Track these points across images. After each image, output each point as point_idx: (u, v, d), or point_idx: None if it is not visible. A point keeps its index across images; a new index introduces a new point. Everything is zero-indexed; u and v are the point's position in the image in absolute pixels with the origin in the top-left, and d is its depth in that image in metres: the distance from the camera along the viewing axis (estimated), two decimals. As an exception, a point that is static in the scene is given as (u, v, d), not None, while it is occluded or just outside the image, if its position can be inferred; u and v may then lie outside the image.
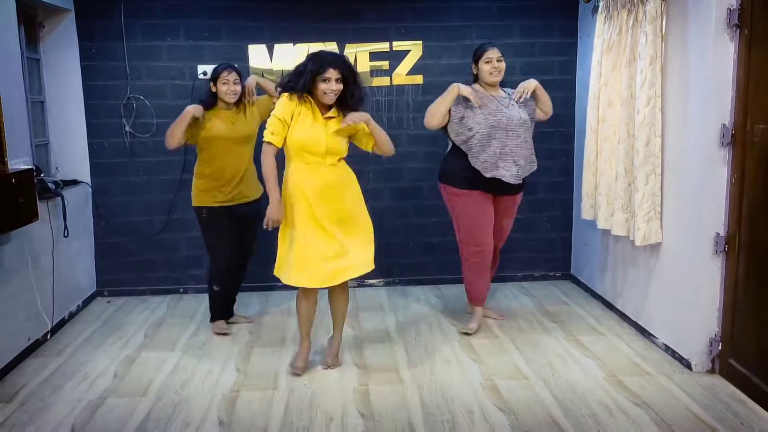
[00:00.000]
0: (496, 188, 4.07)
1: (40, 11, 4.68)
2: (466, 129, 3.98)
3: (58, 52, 4.81)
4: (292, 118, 3.40)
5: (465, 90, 3.95)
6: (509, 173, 3.99)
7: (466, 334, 4.21)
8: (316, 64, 3.36)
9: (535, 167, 4.14)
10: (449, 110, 4.00)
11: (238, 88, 4.04)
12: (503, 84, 4.18)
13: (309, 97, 3.42)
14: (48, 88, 4.81)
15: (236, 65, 4.13)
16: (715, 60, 3.38)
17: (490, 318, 4.44)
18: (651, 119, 3.77)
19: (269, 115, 3.47)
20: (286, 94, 3.43)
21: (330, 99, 3.40)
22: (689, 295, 3.64)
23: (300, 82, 3.37)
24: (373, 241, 3.61)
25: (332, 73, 3.35)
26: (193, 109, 3.91)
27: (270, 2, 4.91)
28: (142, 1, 4.83)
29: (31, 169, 3.83)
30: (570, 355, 3.89)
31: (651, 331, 4.04)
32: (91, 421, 3.19)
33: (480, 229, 4.14)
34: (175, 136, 3.91)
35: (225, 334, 4.30)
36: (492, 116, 3.96)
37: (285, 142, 3.44)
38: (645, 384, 3.48)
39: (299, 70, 3.40)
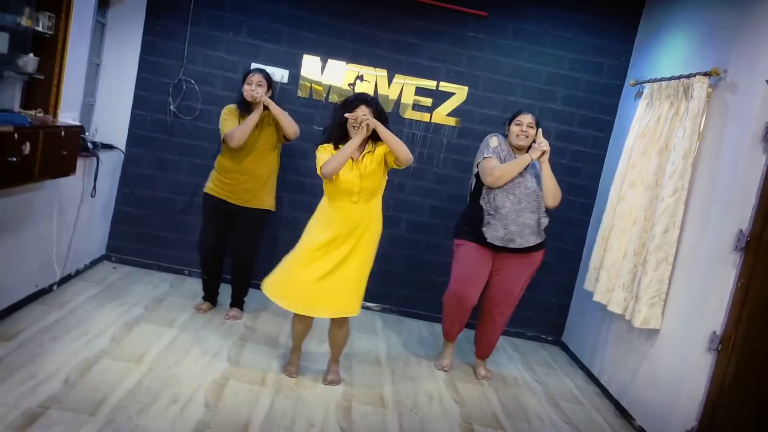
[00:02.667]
0: (494, 245, 4.16)
1: (115, -21, 4.88)
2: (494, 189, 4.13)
3: (124, 21, 4.99)
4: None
5: (535, 154, 4.10)
6: (494, 234, 4.11)
7: (443, 370, 4.35)
8: (347, 105, 3.58)
9: (537, 240, 4.16)
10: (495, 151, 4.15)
11: (260, 90, 4.17)
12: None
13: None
14: (106, 53, 4.98)
15: (267, 71, 4.29)
16: (745, 167, 3.53)
17: (477, 372, 4.45)
18: (674, 209, 3.91)
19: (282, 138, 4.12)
20: (323, 146, 3.61)
21: (363, 132, 3.53)
22: (675, 386, 3.74)
23: (335, 128, 3.59)
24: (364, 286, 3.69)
25: (363, 110, 3.54)
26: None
27: (333, 20, 5.10)
28: (214, -9, 5.03)
29: (80, 126, 3.97)
30: (548, 416, 3.98)
31: (630, 412, 4.13)
32: (85, 375, 3.29)
33: (467, 280, 4.21)
34: (244, 133, 4.13)
35: (200, 312, 4.55)
36: (516, 181, 4.11)
37: (324, 182, 3.60)
38: (615, 460, 3.57)
39: (332, 122, 3.62)
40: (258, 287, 5.06)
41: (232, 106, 4.32)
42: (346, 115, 3.54)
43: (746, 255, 3.51)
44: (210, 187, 4.41)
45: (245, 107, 4.25)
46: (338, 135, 3.60)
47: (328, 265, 3.54)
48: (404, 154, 3.50)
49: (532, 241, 4.15)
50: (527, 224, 4.12)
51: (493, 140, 4.20)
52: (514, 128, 4.17)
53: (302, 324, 3.74)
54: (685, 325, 3.76)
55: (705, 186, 3.83)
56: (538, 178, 4.17)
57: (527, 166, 4.11)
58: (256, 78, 4.19)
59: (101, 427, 2.88)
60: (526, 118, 4.15)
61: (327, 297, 3.56)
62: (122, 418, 2.99)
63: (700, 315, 3.64)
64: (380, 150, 3.58)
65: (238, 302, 4.66)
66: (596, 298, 4.47)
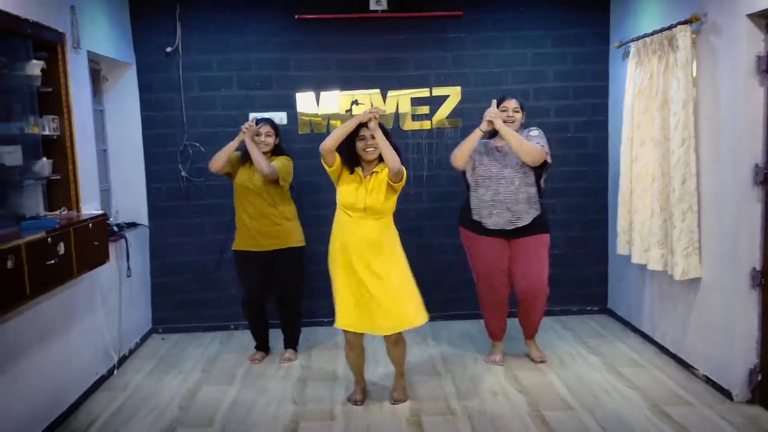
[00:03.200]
0: (505, 233, 4.27)
1: (104, 65, 5.03)
2: (475, 175, 4.29)
3: (120, 102, 5.15)
4: (341, 173, 3.74)
5: (483, 126, 4.13)
6: (503, 220, 4.22)
7: (500, 365, 4.45)
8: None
9: (537, 212, 4.25)
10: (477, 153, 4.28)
11: (270, 140, 4.46)
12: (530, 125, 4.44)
13: (359, 168, 3.72)
14: (110, 137, 5.14)
15: (272, 120, 4.54)
16: (746, 103, 3.58)
17: (532, 356, 4.53)
18: (686, 159, 3.97)
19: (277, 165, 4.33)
20: None
21: (370, 154, 3.68)
22: (728, 328, 3.78)
23: (345, 152, 3.69)
24: (413, 296, 3.74)
25: (365, 132, 3.65)
26: (243, 136, 4.37)
27: (317, 54, 5.23)
28: (198, 56, 5.18)
29: (104, 214, 4.12)
30: (612, 386, 4.03)
31: (691, 363, 4.18)
32: (165, 449, 3.41)
33: (490, 275, 4.35)
34: (222, 159, 4.41)
35: (255, 361, 4.67)
36: (490, 165, 4.24)
37: (336, 193, 3.75)
38: (687, 414, 3.62)
39: (341, 146, 3.68)
40: (306, 324, 5.21)
41: (235, 155, 4.52)
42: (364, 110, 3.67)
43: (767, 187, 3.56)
44: (237, 243, 4.60)
45: (249, 156, 4.42)
46: (348, 156, 3.71)
47: (358, 283, 3.65)
48: (393, 161, 3.58)
49: (533, 213, 4.23)
50: (524, 200, 4.21)
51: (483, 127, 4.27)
52: (500, 115, 4.22)
53: (353, 352, 3.84)
54: (724, 267, 3.81)
55: (711, 130, 3.89)
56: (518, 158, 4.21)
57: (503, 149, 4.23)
58: (264, 129, 4.45)
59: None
60: (511, 103, 4.25)
61: (368, 315, 3.67)
62: (210, 481, 3.10)
63: (736, 255, 3.69)
64: (385, 171, 3.68)
65: (291, 343, 4.77)
66: (634, 260, 4.52)
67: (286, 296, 4.65)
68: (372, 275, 3.64)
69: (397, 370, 3.94)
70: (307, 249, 4.73)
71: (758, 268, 3.63)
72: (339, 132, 3.63)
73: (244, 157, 4.47)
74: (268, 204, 4.46)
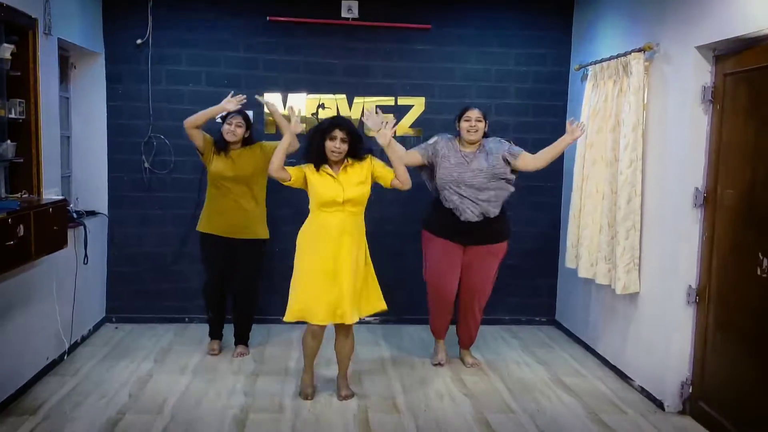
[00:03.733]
0: (465, 239, 4.40)
1: (72, 53, 5.05)
2: (434, 180, 4.43)
3: (87, 91, 5.17)
4: (306, 177, 3.86)
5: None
6: (471, 213, 4.32)
7: (439, 365, 4.61)
8: (323, 125, 3.87)
9: (495, 213, 4.35)
10: (426, 160, 4.42)
11: (239, 131, 4.50)
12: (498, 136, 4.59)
13: (326, 166, 3.84)
14: (75, 124, 5.16)
15: (245, 112, 4.59)
16: (691, 130, 3.79)
17: (465, 361, 4.67)
18: (632, 179, 4.17)
19: (264, 146, 4.46)
20: (307, 165, 3.89)
21: (335, 157, 3.82)
22: (663, 342, 3.98)
23: (315, 153, 3.83)
24: (376, 284, 4.01)
25: (337, 133, 3.79)
26: (227, 105, 4.44)
27: (286, 56, 5.33)
28: (168, 49, 5.23)
29: (65, 199, 4.14)
30: (554, 393, 4.20)
31: (628, 374, 4.37)
32: (113, 434, 3.46)
33: (441, 275, 4.48)
34: (199, 120, 4.44)
35: (213, 353, 4.71)
36: (453, 170, 4.35)
37: (309, 195, 3.88)
38: (621, 422, 3.79)
39: (311, 147, 3.87)
40: (260, 321, 5.26)
41: (209, 139, 4.58)
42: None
43: (706, 210, 3.77)
44: (203, 224, 4.62)
45: (222, 146, 4.52)
46: (317, 159, 3.84)
47: (332, 277, 3.77)
48: (406, 180, 3.88)
49: (496, 211, 4.35)
50: (487, 200, 4.32)
51: (433, 138, 4.49)
52: (463, 124, 4.39)
53: (315, 339, 3.95)
54: (661, 284, 4.01)
55: (657, 153, 4.09)
56: (488, 157, 4.33)
57: (476, 152, 4.35)
58: (236, 120, 4.49)
59: (139, 478, 3.04)
60: (474, 113, 4.38)
61: (341, 304, 3.78)
62: (156, 466, 3.16)
63: (674, 272, 3.89)
64: (367, 167, 3.86)
65: (243, 339, 4.82)
66: (581, 274, 4.71)
67: (245, 287, 4.70)
68: (347, 265, 3.77)
69: (344, 368, 4.05)
70: (269, 247, 4.81)
71: (694, 285, 3.83)
72: (276, 155, 3.80)
73: (219, 146, 4.51)
74: (250, 196, 4.54)
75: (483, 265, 4.47)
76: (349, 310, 3.77)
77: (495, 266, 4.52)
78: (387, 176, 3.90)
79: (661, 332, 4.02)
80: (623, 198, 4.19)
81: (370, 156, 3.94)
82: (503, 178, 4.36)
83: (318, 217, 3.85)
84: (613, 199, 4.40)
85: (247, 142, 4.60)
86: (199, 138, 4.49)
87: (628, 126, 4.17)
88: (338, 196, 3.78)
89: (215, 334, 4.84)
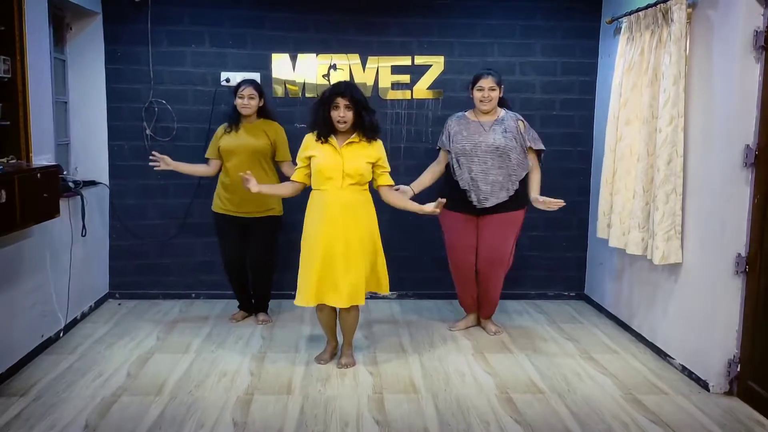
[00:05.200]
0: (478, 210, 4.22)
1: (68, 13, 4.74)
2: (451, 153, 4.26)
3: (84, 54, 4.86)
4: (309, 156, 3.70)
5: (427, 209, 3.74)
6: (474, 199, 4.19)
7: (451, 330, 4.52)
8: (325, 96, 3.67)
9: (506, 196, 4.17)
10: (449, 136, 4.27)
11: (253, 102, 4.30)
12: (518, 105, 4.37)
13: (332, 136, 3.67)
14: (72, 89, 4.86)
15: (255, 81, 4.39)
16: (740, 81, 3.40)
17: (488, 329, 4.49)
18: (673, 138, 3.79)
19: (278, 141, 4.34)
20: (309, 134, 3.75)
21: (342, 127, 3.64)
22: (708, 316, 3.62)
23: (318, 117, 3.66)
24: (384, 268, 3.81)
25: (340, 101, 3.60)
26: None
27: (294, 14, 4.97)
28: (169, 7, 4.89)
29: (56, 165, 3.85)
30: (585, 371, 3.87)
31: (667, 351, 4.02)
32: (106, 417, 3.18)
33: (457, 249, 4.36)
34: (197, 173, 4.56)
35: (232, 320, 4.64)
36: (466, 142, 4.16)
37: (311, 171, 3.71)
38: (662, 403, 3.45)
39: (316, 118, 3.70)
40: (276, 297, 4.97)
41: (221, 127, 4.45)
42: None
43: (757, 169, 3.39)
44: (216, 204, 4.49)
45: (236, 120, 4.37)
46: (325, 130, 3.67)
47: (331, 254, 3.63)
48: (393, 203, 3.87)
49: (503, 197, 4.16)
50: (497, 181, 4.14)
51: (450, 124, 4.30)
52: (476, 94, 4.19)
53: (322, 313, 3.81)
54: (706, 252, 3.64)
55: (701, 108, 3.70)
56: (505, 134, 4.15)
57: (492, 123, 4.17)
58: (247, 91, 4.30)
59: (130, 466, 2.77)
60: (486, 82, 4.14)
61: (333, 287, 3.63)
62: (151, 452, 2.88)
63: (720, 240, 3.52)
64: (373, 153, 3.68)
65: (263, 308, 4.70)
66: (612, 243, 4.35)
67: (260, 264, 4.54)
68: (344, 245, 3.62)
69: (347, 338, 3.91)
70: (284, 220, 4.57)
71: (743, 254, 3.46)
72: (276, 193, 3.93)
73: (232, 121, 4.38)
74: (260, 168, 4.33)
75: (497, 233, 4.25)
76: (344, 294, 3.62)
77: (510, 235, 4.29)
78: (380, 179, 3.78)
79: (705, 305, 3.65)
80: (663, 159, 3.81)
81: (380, 143, 3.75)
82: (515, 158, 4.16)
83: (315, 195, 3.72)
84: (649, 161, 4.02)
85: (262, 112, 4.41)
86: (216, 160, 4.44)
87: (668, 79, 3.77)
88: (338, 168, 3.62)
89: (241, 305, 4.73)
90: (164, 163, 4.29)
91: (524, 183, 4.25)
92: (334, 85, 3.74)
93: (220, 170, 4.44)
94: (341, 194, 3.63)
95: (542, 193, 4.23)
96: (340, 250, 3.61)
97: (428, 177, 4.40)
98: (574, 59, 5.12)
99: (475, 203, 4.18)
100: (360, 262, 3.65)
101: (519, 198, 4.24)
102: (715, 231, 3.56)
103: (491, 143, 4.12)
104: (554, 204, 4.08)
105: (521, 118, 4.26)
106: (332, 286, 3.63)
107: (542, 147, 4.26)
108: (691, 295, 3.79)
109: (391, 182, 3.82)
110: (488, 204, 4.17)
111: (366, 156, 3.67)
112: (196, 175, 4.60)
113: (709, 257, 3.61)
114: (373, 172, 3.73)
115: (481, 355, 4.10)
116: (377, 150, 3.72)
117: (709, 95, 3.63)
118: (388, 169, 3.79)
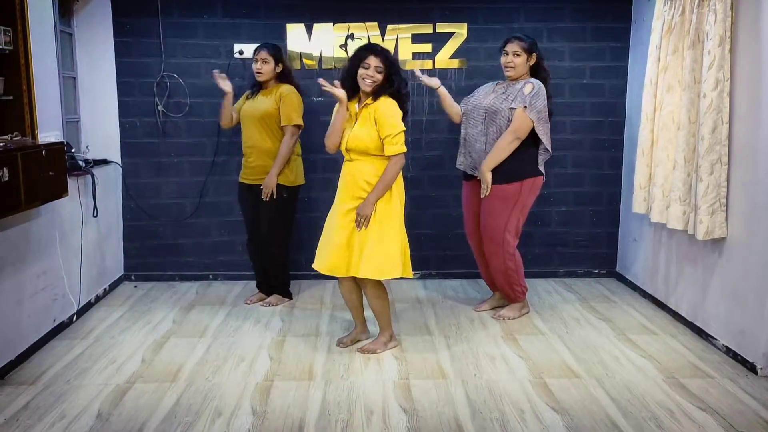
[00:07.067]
0: (471, 176, 4.10)
1: (74, -16, 4.54)
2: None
3: (92, 27, 4.66)
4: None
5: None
6: (464, 162, 4.12)
7: (476, 309, 4.35)
8: (359, 51, 3.44)
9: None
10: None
11: (266, 67, 4.10)
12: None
13: (353, 102, 3.47)
14: (80, 63, 4.67)
15: (272, 44, 4.17)
16: (794, 39, 3.13)
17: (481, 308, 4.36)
18: (718, 104, 3.52)
19: (282, 103, 4.06)
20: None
21: (366, 85, 3.37)
22: (755, 293, 3.38)
23: (347, 79, 3.43)
24: (392, 252, 3.42)
25: (372, 60, 3.36)
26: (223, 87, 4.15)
27: (310, -20, 4.73)
28: (179, -24, 4.67)
29: (62, 142, 3.67)
30: (623, 353, 3.65)
31: (709, 332, 3.79)
32: (119, 405, 3.02)
33: (464, 218, 4.28)
34: (223, 116, 4.24)
35: (248, 302, 4.46)
36: (470, 103, 4.06)
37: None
38: (708, 387, 3.23)
39: (345, 72, 3.47)
40: (296, 278, 4.78)
41: (246, 93, 4.31)
42: None
43: (813, 136, 3.13)
44: (240, 174, 4.36)
45: (256, 87, 4.23)
46: (349, 89, 3.44)
47: (342, 225, 3.45)
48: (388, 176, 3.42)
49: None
50: (483, 150, 3.94)
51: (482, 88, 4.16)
52: (502, 59, 3.98)
53: (343, 288, 3.63)
54: (754, 226, 3.39)
55: (750, 71, 3.42)
56: (503, 95, 3.91)
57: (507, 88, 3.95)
58: (261, 55, 4.10)
59: (144, 459, 2.61)
60: (510, 47, 3.93)
61: (346, 258, 3.45)
62: (166, 444, 2.72)
63: (771, 212, 3.27)
64: (376, 114, 3.35)
65: (274, 288, 4.48)
66: (653, 218, 4.09)
67: (267, 238, 4.30)
68: (341, 217, 3.45)
69: (378, 323, 3.69)
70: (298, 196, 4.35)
71: (796, 227, 3.21)
72: (333, 131, 3.47)
73: (253, 89, 4.24)
74: (267, 135, 4.14)
75: (485, 207, 4.00)
76: (343, 264, 3.46)
77: (502, 211, 3.94)
78: (384, 147, 3.39)
79: (753, 283, 3.40)
80: (707, 127, 3.55)
81: (386, 100, 3.38)
82: (503, 123, 3.89)
83: (343, 163, 3.57)
84: (691, 129, 3.76)
85: (282, 77, 4.17)
86: (235, 119, 4.27)
87: (713, 40, 3.50)
88: (343, 142, 3.46)
89: (258, 285, 4.55)
90: (225, 83, 4.11)
91: (521, 155, 3.89)
92: (368, 43, 3.58)
93: (232, 126, 4.33)
94: (351, 167, 3.46)
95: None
96: (341, 223, 3.45)
97: (455, 109, 4.12)
98: (605, 24, 4.83)
99: (468, 170, 4.09)
100: (365, 239, 3.39)
101: (512, 169, 3.89)
102: (764, 203, 3.30)
103: (483, 104, 3.94)
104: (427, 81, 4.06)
105: (535, 83, 3.87)
106: (332, 254, 3.46)
107: (526, 112, 3.79)
108: (737, 271, 3.54)
109: (394, 152, 3.33)
110: (475, 174, 4.01)
111: (372, 121, 3.36)
112: (223, 114, 4.23)
113: (758, 231, 3.36)
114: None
115: (511, 337, 3.90)
116: (378, 109, 3.35)
117: (758, 56, 3.35)
118: (393, 133, 3.31)
